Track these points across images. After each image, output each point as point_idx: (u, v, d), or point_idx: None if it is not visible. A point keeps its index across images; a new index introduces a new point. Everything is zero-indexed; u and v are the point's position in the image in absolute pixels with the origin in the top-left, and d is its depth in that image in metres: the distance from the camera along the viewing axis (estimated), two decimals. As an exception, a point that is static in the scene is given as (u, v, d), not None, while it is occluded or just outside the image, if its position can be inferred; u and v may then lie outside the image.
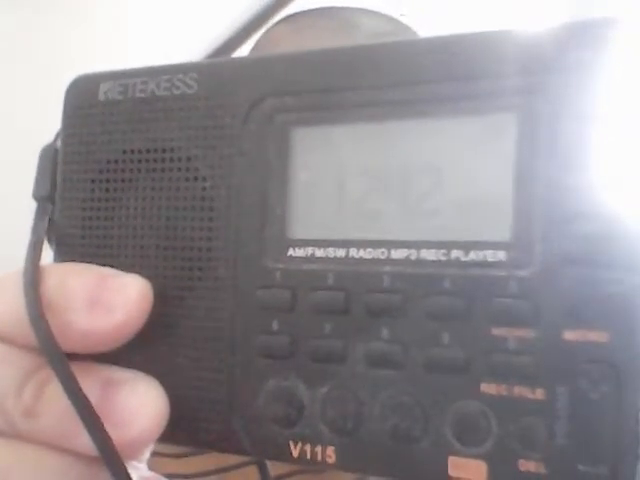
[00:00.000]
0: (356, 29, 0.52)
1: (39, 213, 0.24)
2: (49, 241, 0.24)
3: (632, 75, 0.18)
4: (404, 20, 0.55)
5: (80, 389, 0.20)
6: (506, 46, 0.19)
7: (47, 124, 0.27)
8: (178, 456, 0.45)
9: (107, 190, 0.23)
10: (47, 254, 0.24)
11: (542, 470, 0.18)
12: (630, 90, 0.18)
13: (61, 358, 0.20)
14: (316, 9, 0.53)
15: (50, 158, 0.25)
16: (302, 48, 0.22)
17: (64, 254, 0.24)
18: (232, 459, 0.44)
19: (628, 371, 0.17)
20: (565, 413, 0.18)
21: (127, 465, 0.23)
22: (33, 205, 0.25)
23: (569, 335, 0.18)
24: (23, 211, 0.27)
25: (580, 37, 0.18)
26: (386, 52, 0.21)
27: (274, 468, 0.32)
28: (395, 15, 0.55)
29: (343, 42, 0.48)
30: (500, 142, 0.19)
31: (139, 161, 0.23)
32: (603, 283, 0.17)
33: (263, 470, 0.30)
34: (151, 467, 0.43)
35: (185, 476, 0.45)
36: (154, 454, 0.42)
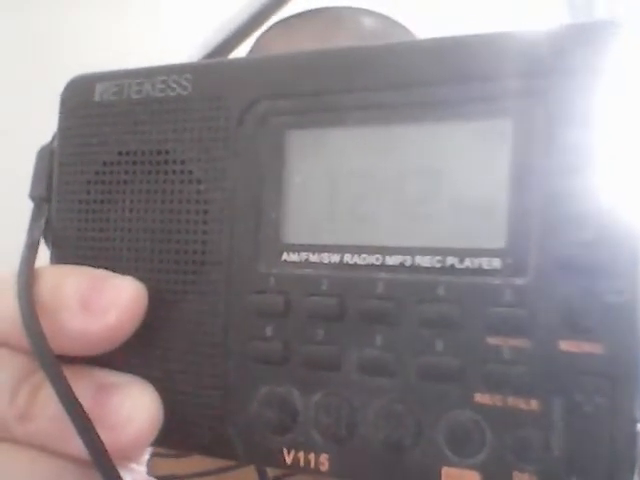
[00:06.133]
0: (348, 28, 0.52)
1: (35, 214, 0.24)
2: (46, 241, 0.24)
3: (629, 79, 0.17)
4: (397, 18, 0.54)
5: (72, 392, 0.20)
6: (502, 49, 0.19)
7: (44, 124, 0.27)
8: (178, 456, 0.45)
9: (102, 192, 0.23)
10: (46, 254, 0.24)
11: None
12: (627, 94, 0.17)
13: (53, 361, 0.20)
14: (308, 11, 0.52)
15: (47, 159, 0.24)
16: (295, 50, 0.22)
17: (60, 255, 0.24)
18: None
19: (623, 383, 0.17)
20: (560, 425, 0.17)
21: (125, 468, 0.23)
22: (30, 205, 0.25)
23: (564, 345, 0.17)
24: (21, 211, 0.27)
25: (578, 40, 0.18)
26: (381, 54, 0.21)
27: (272, 469, 0.32)
28: (387, 13, 0.54)
29: (335, 41, 0.48)
30: (496, 147, 0.19)
31: (134, 163, 0.23)
32: (600, 292, 0.17)
33: (261, 471, 0.30)
34: (150, 467, 0.42)
35: (185, 476, 0.45)
36: (154, 454, 0.42)
